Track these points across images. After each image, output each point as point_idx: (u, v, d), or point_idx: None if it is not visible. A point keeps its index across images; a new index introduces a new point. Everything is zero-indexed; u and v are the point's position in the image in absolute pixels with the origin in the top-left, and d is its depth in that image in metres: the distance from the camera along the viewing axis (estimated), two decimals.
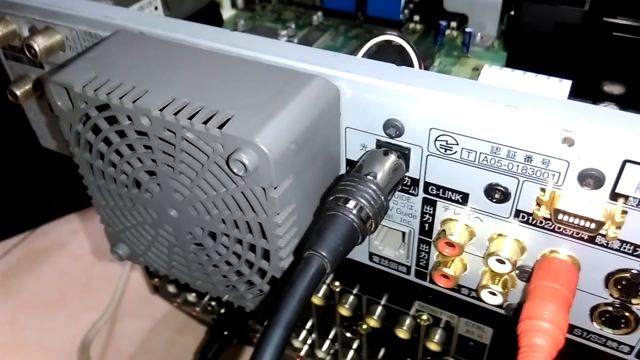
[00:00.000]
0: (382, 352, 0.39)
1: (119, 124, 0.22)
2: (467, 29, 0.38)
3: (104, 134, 0.22)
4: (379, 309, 0.35)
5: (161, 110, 0.20)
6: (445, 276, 0.24)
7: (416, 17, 0.42)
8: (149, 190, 0.23)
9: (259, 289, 0.24)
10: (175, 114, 0.20)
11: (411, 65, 0.30)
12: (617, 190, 0.18)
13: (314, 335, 0.42)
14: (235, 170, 0.19)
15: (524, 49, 0.34)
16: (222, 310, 0.44)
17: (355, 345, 0.40)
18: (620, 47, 0.30)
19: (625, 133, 0.17)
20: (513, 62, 0.35)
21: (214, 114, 0.20)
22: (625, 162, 0.18)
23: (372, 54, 0.32)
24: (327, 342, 0.41)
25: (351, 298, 0.36)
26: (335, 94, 0.21)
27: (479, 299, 0.24)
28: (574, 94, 0.31)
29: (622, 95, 0.32)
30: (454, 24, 0.40)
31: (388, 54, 0.36)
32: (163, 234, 0.25)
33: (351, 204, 0.19)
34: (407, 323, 0.34)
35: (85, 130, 0.23)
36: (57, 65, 0.29)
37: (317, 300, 0.37)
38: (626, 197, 0.18)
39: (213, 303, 0.46)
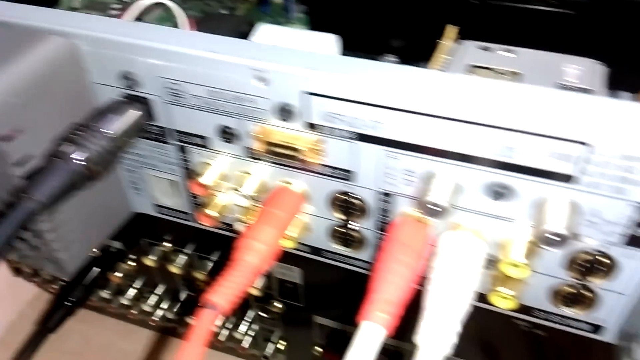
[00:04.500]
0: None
1: None
2: None
3: None
4: (206, 262, 0.37)
5: None
6: (208, 216, 0.26)
7: None
8: None
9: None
10: None
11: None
12: (310, 121, 0.21)
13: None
14: None
15: (322, 12, 0.36)
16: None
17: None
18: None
19: (304, 68, 0.20)
20: (316, 25, 0.37)
21: None
22: (307, 93, 0.20)
23: (204, 25, 0.34)
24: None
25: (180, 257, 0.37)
26: (71, 50, 0.23)
27: (235, 231, 0.26)
28: (359, 49, 0.34)
29: (401, 48, 0.35)
30: None
31: (225, 23, 0.38)
32: None
33: (71, 148, 0.21)
34: None
35: None
36: None
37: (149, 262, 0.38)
38: (318, 126, 0.21)
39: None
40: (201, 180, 0.24)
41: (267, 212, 0.22)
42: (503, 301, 0.22)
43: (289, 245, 0.25)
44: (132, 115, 0.23)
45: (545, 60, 0.24)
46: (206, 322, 0.19)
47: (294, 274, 0.36)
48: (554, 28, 0.30)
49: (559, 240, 0.18)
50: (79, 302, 0.42)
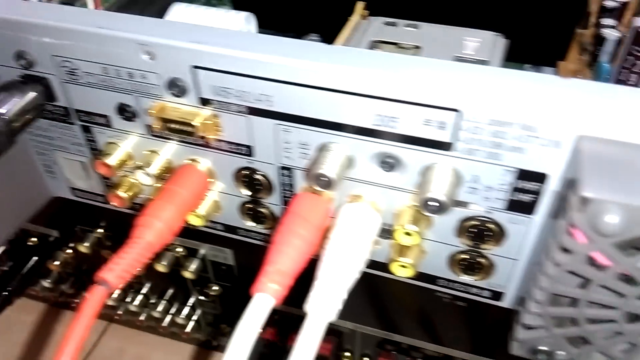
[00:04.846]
0: (147, 287, 0.41)
1: None
2: None
3: None
4: None
5: None
6: (119, 197, 0.26)
7: None
8: None
9: None
10: None
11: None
12: (202, 96, 0.21)
13: None
14: None
15: None
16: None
17: (144, 290, 0.42)
18: None
19: (188, 42, 0.20)
20: (238, 5, 0.37)
21: None
22: (194, 67, 0.20)
23: (132, 7, 0.34)
24: None
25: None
26: None
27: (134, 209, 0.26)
28: (283, 29, 0.34)
29: (325, 27, 0.35)
30: None
31: (153, 6, 0.37)
32: None
33: None
34: (165, 257, 0.36)
35: None
36: None
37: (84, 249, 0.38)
38: (211, 101, 0.21)
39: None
40: (106, 160, 0.24)
41: (167, 190, 0.23)
42: (402, 270, 0.23)
43: (198, 222, 0.25)
44: (27, 95, 0.22)
45: (447, 34, 0.25)
46: (96, 298, 0.19)
47: (227, 256, 0.36)
48: (470, 5, 0.31)
49: (439, 207, 0.19)
50: (16, 292, 0.42)
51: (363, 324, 0.36)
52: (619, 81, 0.26)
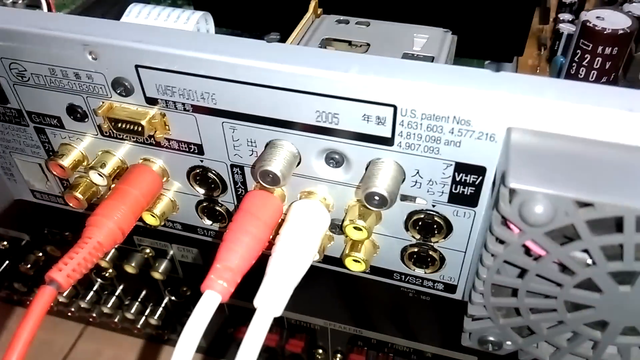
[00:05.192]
0: (120, 289, 0.41)
1: None
2: None
3: None
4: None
5: None
6: (75, 197, 0.26)
7: None
8: None
9: None
10: None
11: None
12: (148, 95, 0.21)
13: None
14: None
15: None
16: None
17: (118, 292, 0.42)
18: None
19: (130, 41, 0.20)
20: (198, 5, 0.37)
21: None
22: (137, 67, 0.20)
23: (97, 10, 0.34)
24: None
25: None
26: None
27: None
28: (244, 28, 0.34)
29: (285, 25, 0.35)
30: None
31: (117, 7, 0.37)
32: None
33: None
34: (134, 258, 0.36)
35: None
36: None
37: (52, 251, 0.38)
38: (157, 100, 0.21)
39: None
40: (60, 161, 0.24)
41: (119, 190, 0.23)
42: (356, 264, 0.23)
43: (154, 222, 0.25)
44: None
45: (397, 32, 0.25)
46: (45, 298, 0.19)
47: (195, 256, 0.36)
48: (428, 2, 0.31)
49: (381, 201, 0.19)
50: None
51: (334, 320, 0.36)
52: (570, 75, 0.27)
